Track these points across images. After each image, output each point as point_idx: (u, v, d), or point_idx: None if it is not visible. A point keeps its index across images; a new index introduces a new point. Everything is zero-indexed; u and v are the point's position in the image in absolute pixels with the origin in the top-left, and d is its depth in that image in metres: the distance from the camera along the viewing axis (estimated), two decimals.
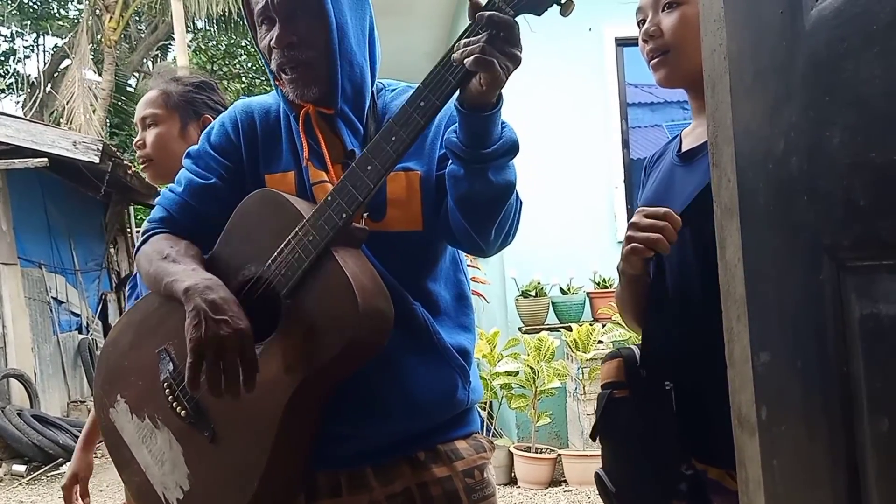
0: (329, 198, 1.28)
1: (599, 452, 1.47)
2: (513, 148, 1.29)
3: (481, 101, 1.23)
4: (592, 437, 1.46)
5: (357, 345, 1.26)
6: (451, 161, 1.33)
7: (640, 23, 1.52)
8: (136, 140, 2.11)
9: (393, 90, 1.51)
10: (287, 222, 1.31)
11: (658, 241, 1.33)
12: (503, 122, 1.30)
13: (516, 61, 1.21)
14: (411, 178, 1.42)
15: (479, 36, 1.19)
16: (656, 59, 1.48)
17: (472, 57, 1.18)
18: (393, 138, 1.25)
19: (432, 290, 1.46)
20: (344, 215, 1.26)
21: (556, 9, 1.22)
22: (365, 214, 1.36)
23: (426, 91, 1.24)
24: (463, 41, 1.21)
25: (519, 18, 1.21)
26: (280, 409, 1.28)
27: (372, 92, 1.48)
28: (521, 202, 1.40)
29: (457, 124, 1.29)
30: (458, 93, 1.25)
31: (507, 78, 1.21)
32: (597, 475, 1.42)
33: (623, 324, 1.69)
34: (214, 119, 2.01)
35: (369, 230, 1.34)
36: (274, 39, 1.39)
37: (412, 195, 1.42)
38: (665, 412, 1.35)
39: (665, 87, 1.52)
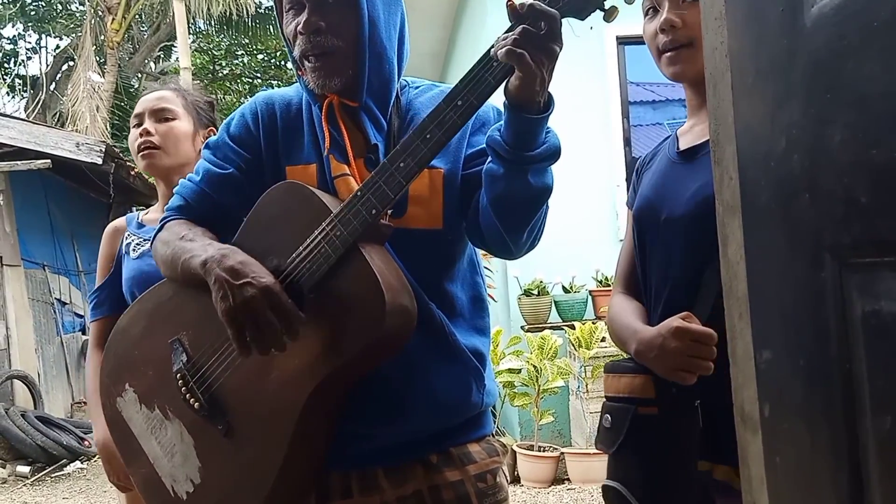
0: (358, 193, 1.27)
1: (608, 463, 1.44)
2: (555, 153, 1.29)
3: (527, 101, 1.22)
4: (602, 447, 1.43)
5: (382, 342, 1.25)
6: (490, 159, 1.31)
7: (651, 10, 1.49)
8: (140, 128, 2.08)
9: (417, 87, 1.50)
10: (313, 215, 1.29)
11: (708, 367, 1.30)
12: (548, 128, 1.28)
13: (552, 56, 1.19)
14: (434, 175, 1.40)
15: (515, 29, 1.17)
16: (674, 52, 1.44)
17: (503, 49, 1.16)
18: (427, 136, 1.23)
19: (449, 291, 1.44)
20: (374, 211, 1.25)
21: (596, 16, 1.22)
22: (388, 211, 1.34)
23: (464, 90, 1.22)
24: (501, 35, 1.19)
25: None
26: (300, 405, 1.27)
27: (396, 88, 1.46)
28: (548, 207, 1.39)
29: (499, 123, 1.28)
30: (504, 92, 1.23)
31: (542, 73, 1.18)
32: (611, 489, 1.39)
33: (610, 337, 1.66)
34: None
35: (393, 227, 1.33)
36: (301, 24, 1.37)
37: (434, 193, 1.40)
38: (693, 429, 1.34)
39: (676, 81, 1.49)
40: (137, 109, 2.11)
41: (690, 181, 1.43)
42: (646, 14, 1.51)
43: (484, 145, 1.34)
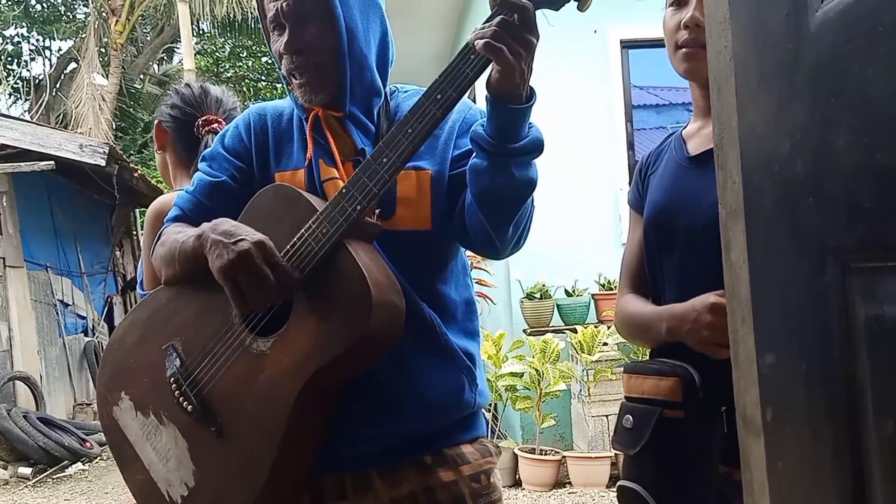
0: (344, 190, 1.29)
1: (625, 463, 1.43)
2: (538, 147, 1.29)
3: (508, 93, 1.23)
4: (621, 447, 1.42)
5: (369, 338, 1.25)
6: (474, 154, 1.32)
7: (675, 3, 1.47)
8: None
9: (405, 92, 1.52)
10: (300, 215, 1.31)
11: None
12: (530, 122, 1.29)
13: (530, 47, 1.20)
14: (422, 177, 1.42)
15: (493, 21, 1.18)
16: (692, 49, 1.43)
17: (481, 42, 1.18)
18: (409, 130, 1.25)
19: (441, 292, 1.45)
20: (358, 207, 1.27)
21: (570, 6, 1.22)
22: (377, 212, 1.36)
23: (443, 83, 1.24)
24: (478, 27, 1.20)
25: (537, 14, 1.20)
26: (290, 403, 1.27)
27: (385, 93, 1.48)
28: (534, 206, 1.40)
29: (484, 118, 1.29)
30: (486, 85, 1.25)
31: (521, 65, 1.20)
32: (629, 490, 1.38)
33: (619, 333, 1.66)
34: (163, 123, 2.05)
35: (381, 227, 1.34)
36: (283, 46, 1.40)
37: (422, 195, 1.41)
38: (717, 434, 1.33)
39: (688, 78, 1.48)
40: None
41: (710, 188, 1.41)
42: (670, 5, 1.49)
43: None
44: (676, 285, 1.47)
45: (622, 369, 1.53)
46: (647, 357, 1.57)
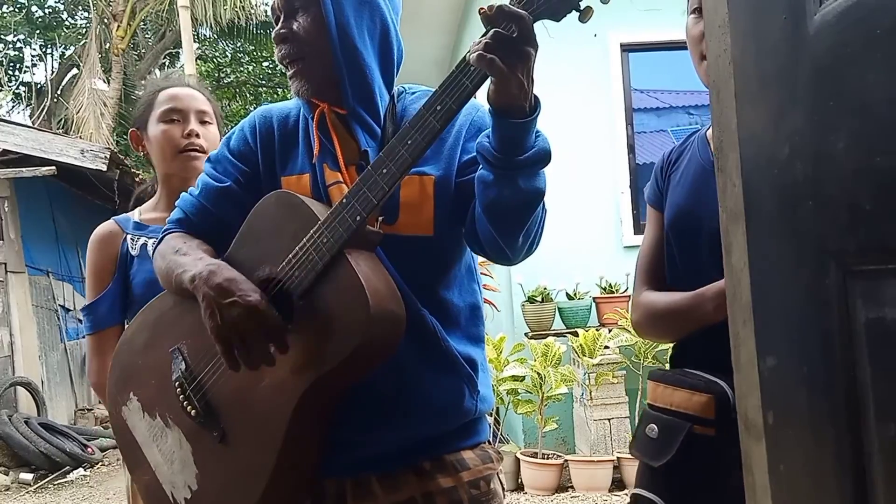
0: (344, 200, 1.28)
1: (643, 472, 1.41)
2: (544, 157, 1.27)
3: (508, 106, 1.21)
4: (642, 455, 1.40)
5: (367, 348, 1.25)
6: (481, 166, 1.31)
7: (697, 10, 1.45)
8: (187, 126, 2.01)
9: (413, 93, 1.50)
10: (302, 224, 1.31)
11: None
12: (537, 131, 1.27)
13: (526, 59, 1.17)
14: (425, 182, 1.41)
15: (489, 33, 1.17)
16: None
17: (474, 54, 1.16)
18: (408, 141, 1.24)
19: (444, 298, 1.44)
20: (358, 217, 1.26)
21: (571, 16, 1.20)
22: (380, 218, 1.36)
23: (443, 95, 1.22)
24: (476, 40, 1.18)
25: (537, 25, 1.17)
26: (289, 410, 1.28)
27: (392, 95, 1.47)
28: (545, 210, 1.38)
29: (489, 129, 1.27)
30: (486, 98, 1.23)
31: (518, 76, 1.17)
32: (646, 500, 1.37)
33: (639, 331, 1.63)
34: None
35: (383, 234, 1.34)
36: (273, 35, 1.44)
37: (425, 200, 1.41)
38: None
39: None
40: (176, 104, 2.03)
41: None
42: (692, 12, 1.47)
43: None
44: (696, 288, 1.45)
45: (648, 376, 1.50)
46: (669, 365, 1.55)
